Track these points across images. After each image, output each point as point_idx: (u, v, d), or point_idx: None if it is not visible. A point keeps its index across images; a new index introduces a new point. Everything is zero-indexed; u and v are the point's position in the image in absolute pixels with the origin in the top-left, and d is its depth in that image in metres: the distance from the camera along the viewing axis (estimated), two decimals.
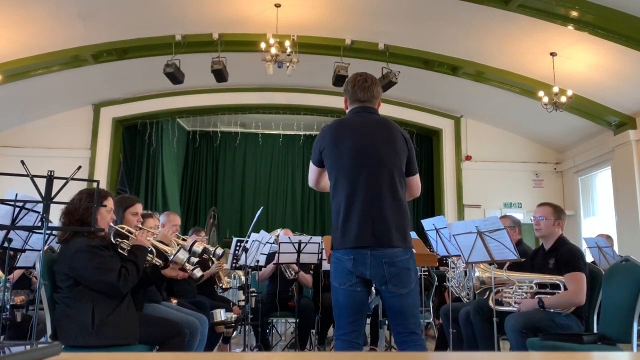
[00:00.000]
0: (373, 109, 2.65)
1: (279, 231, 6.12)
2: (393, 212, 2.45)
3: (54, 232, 3.11)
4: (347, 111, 2.73)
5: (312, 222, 11.60)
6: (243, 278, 5.29)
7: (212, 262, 5.10)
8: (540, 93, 7.60)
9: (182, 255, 3.08)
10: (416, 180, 2.65)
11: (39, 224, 2.56)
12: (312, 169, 2.71)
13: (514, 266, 3.58)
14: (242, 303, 4.83)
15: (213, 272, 5.05)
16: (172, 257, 3.06)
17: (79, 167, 2.68)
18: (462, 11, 6.71)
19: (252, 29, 7.55)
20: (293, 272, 5.22)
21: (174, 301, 3.97)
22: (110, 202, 2.93)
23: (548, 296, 3.34)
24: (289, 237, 4.93)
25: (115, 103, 9.61)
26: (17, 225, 2.94)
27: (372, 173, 2.48)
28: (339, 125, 2.64)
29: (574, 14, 6.43)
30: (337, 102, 9.46)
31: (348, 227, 2.44)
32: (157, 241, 3.11)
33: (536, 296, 3.38)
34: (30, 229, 3.12)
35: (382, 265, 2.41)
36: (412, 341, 2.46)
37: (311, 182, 2.76)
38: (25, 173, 2.44)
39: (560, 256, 3.40)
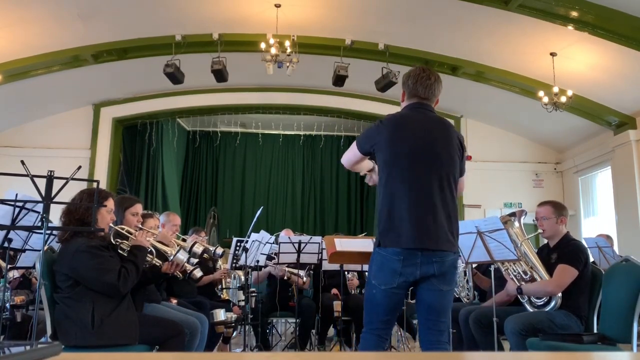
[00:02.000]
0: (431, 107, 2.61)
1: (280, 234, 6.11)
2: (445, 216, 2.43)
3: (54, 232, 3.11)
4: (402, 104, 2.68)
5: (312, 222, 11.59)
6: (243, 278, 5.29)
7: (212, 263, 5.10)
8: (540, 93, 7.59)
9: (182, 256, 3.08)
10: (463, 180, 2.64)
11: (39, 224, 2.56)
12: (355, 154, 2.63)
13: None
14: (242, 303, 4.83)
15: (216, 279, 5.05)
16: (171, 258, 3.06)
17: (79, 167, 2.67)
18: (462, 11, 6.70)
19: (252, 29, 7.55)
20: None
21: (174, 301, 3.98)
22: (110, 203, 2.93)
23: (529, 284, 3.41)
24: (289, 237, 4.93)
25: (115, 103, 9.60)
26: (17, 225, 2.94)
27: (428, 174, 2.44)
28: (397, 121, 2.56)
29: (574, 14, 6.43)
30: (337, 102, 9.58)
31: (399, 227, 2.39)
32: (157, 241, 3.11)
33: (521, 282, 3.43)
34: (30, 229, 3.12)
35: (433, 264, 2.39)
36: (440, 350, 2.42)
37: (347, 162, 2.69)
38: (25, 173, 2.43)
39: (563, 249, 3.41)
